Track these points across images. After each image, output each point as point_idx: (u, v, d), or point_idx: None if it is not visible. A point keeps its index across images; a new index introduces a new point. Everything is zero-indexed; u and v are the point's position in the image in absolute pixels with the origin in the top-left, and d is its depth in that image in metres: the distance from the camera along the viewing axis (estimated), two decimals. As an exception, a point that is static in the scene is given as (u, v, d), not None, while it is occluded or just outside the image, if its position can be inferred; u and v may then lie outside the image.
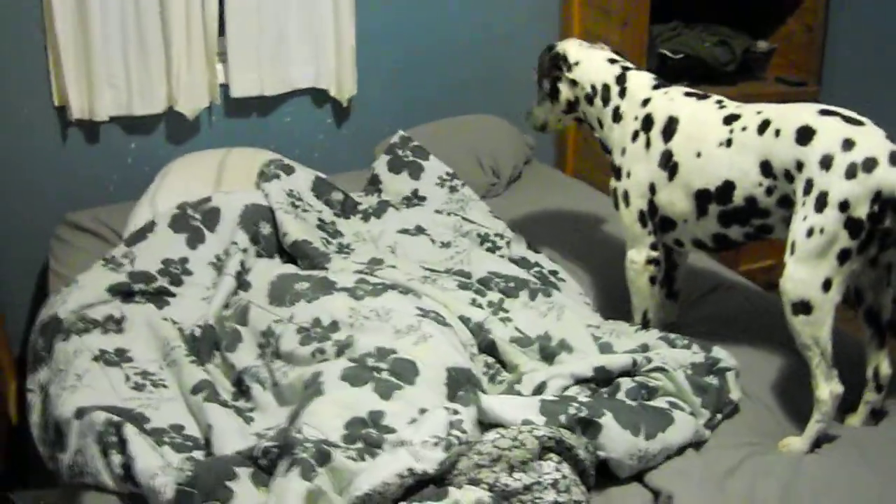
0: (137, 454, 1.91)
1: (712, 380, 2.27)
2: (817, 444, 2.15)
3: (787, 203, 2.17)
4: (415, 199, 3.27)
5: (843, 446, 2.12)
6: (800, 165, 2.08)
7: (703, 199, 2.34)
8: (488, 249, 2.97)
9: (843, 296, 2.10)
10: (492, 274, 2.75)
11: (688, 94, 2.48)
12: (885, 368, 2.23)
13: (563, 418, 1.93)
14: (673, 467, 2.03)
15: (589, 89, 2.62)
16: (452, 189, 3.32)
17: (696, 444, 2.12)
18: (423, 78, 3.82)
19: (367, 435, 1.88)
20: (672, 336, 2.46)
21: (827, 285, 2.04)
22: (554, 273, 2.89)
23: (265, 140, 3.49)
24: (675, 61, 3.75)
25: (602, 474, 1.98)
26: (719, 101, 2.42)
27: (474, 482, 1.75)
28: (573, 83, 2.66)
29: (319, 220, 2.98)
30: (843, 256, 2.03)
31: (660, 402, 2.16)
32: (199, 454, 2.01)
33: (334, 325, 2.29)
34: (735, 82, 3.88)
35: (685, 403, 2.17)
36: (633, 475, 2.01)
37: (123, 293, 2.62)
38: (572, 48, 2.70)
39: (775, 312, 2.59)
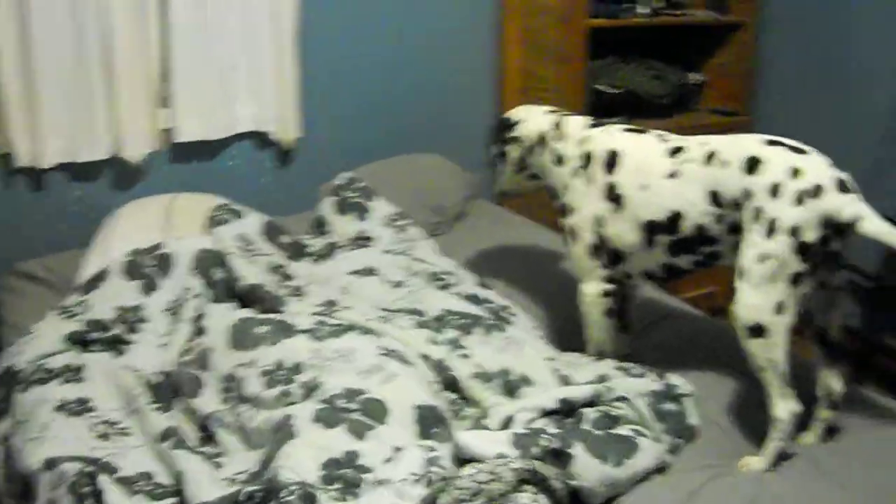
0: (113, 503, 1.89)
1: (671, 406, 2.34)
2: (776, 462, 2.21)
3: (737, 229, 2.23)
4: (362, 240, 3.29)
5: (802, 463, 2.19)
6: (748, 194, 2.15)
7: (651, 230, 2.40)
8: (440, 287, 2.99)
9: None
10: (446, 311, 2.77)
11: (626, 130, 2.55)
12: (837, 386, 2.29)
13: (535, 450, 1.98)
14: (641, 492, 2.08)
15: (528, 142, 2.71)
16: (399, 229, 3.35)
17: (660, 468, 2.17)
18: (367, 120, 3.85)
19: (344, 475, 1.89)
20: (627, 365, 2.52)
21: (779, 308, 2.11)
22: (505, 308, 2.92)
23: (209, 185, 3.47)
24: (611, 96, 3.84)
25: (574, 503, 2.01)
26: (660, 135, 2.49)
27: (457, 517, 1.77)
28: (518, 140, 2.75)
29: (271, 263, 2.99)
30: (795, 280, 2.10)
31: (624, 430, 2.20)
32: (170, 502, 2.00)
33: (297, 368, 2.30)
34: (671, 114, 3.99)
35: (647, 430, 2.23)
36: (604, 502, 2.05)
37: (81, 342, 2.60)
38: (514, 112, 2.82)
39: (723, 337, 2.74)
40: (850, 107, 3.81)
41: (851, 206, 2.05)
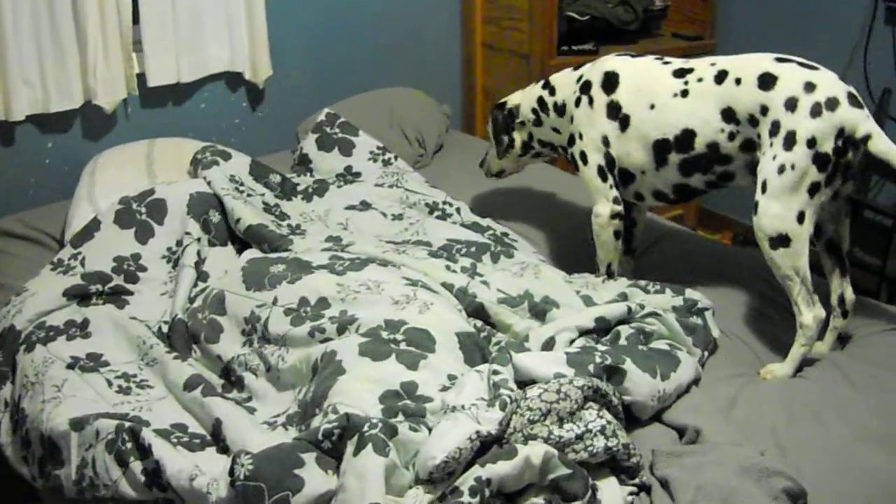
0: (164, 456, 1.81)
1: (696, 320, 2.34)
2: (799, 368, 2.25)
3: (750, 147, 2.27)
4: (349, 176, 3.22)
5: (827, 369, 2.22)
6: (764, 109, 2.19)
7: (662, 149, 2.40)
8: (439, 217, 2.96)
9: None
10: (451, 241, 2.74)
11: (619, 55, 2.59)
12: (850, 294, 2.36)
13: (591, 368, 1.95)
14: (685, 405, 2.09)
15: (532, 115, 2.73)
16: (386, 162, 3.28)
17: (696, 380, 2.18)
18: (335, 58, 3.77)
19: (405, 406, 1.83)
20: (643, 283, 2.51)
21: (801, 217, 2.16)
22: (506, 234, 2.90)
23: (182, 128, 3.39)
24: (581, 23, 3.81)
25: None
26: (658, 58, 2.52)
27: (531, 438, 1.74)
28: (522, 124, 2.78)
29: (264, 203, 2.89)
30: (813, 189, 2.15)
31: (660, 345, 2.20)
32: (211, 451, 1.93)
33: (323, 302, 2.22)
34: (636, 40, 3.96)
35: (680, 345, 2.23)
36: (652, 416, 2.05)
37: (80, 296, 2.49)
38: (511, 98, 2.83)
39: (720, 255, 2.83)
40: (815, 30, 3.83)
41: (865, 123, 2.13)
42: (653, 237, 2.95)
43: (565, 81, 2.65)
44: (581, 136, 2.55)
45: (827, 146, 2.12)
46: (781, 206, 2.15)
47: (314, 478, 1.65)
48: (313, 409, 1.91)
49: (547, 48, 3.69)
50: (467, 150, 3.70)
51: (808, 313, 2.21)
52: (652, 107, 2.41)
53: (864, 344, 2.36)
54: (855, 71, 3.67)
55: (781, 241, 2.17)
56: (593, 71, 2.56)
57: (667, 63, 2.47)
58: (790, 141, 2.13)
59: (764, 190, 2.18)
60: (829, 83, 2.17)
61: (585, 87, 2.55)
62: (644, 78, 2.46)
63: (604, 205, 2.56)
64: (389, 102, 3.64)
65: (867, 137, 2.12)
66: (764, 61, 2.26)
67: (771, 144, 2.17)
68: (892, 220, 3.60)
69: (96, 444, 1.92)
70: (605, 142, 2.50)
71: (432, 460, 1.65)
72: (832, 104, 2.12)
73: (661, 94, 2.40)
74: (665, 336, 2.25)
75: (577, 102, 2.56)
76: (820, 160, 2.12)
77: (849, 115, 2.12)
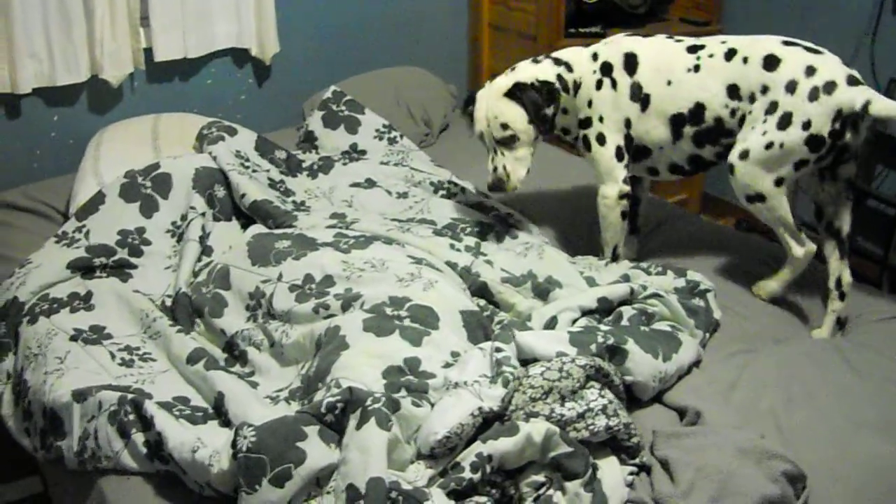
0: (166, 429, 1.82)
1: (699, 301, 2.35)
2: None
3: (744, 122, 2.35)
4: (354, 154, 3.22)
5: (828, 353, 2.24)
6: (765, 89, 2.29)
7: (678, 122, 2.44)
8: (444, 196, 2.95)
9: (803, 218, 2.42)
10: (455, 220, 2.75)
11: (629, 35, 2.58)
12: (847, 277, 2.40)
13: (593, 347, 1.96)
14: (686, 386, 2.10)
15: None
16: (391, 141, 3.28)
17: (697, 362, 2.19)
18: (342, 35, 3.75)
19: (408, 382, 1.84)
20: (644, 265, 2.53)
21: (779, 182, 2.31)
22: (510, 216, 2.90)
23: (188, 104, 3.39)
24: (589, 5, 3.80)
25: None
26: (669, 36, 2.54)
27: (532, 415, 1.74)
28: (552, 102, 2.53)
29: (269, 179, 2.89)
30: (801, 164, 2.28)
31: (662, 326, 2.21)
32: (213, 424, 1.94)
33: (328, 280, 2.23)
34: (644, 24, 3.95)
35: (682, 326, 2.24)
36: (652, 396, 2.06)
37: (83, 269, 2.49)
38: (523, 74, 2.54)
39: (721, 236, 2.87)
40: (822, 18, 3.81)
41: (862, 94, 2.20)
42: (656, 221, 2.96)
43: (579, 60, 2.55)
44: (602, 119, 2.51)
45: (824, 129, 2.21)
46: (758, 171, 2.29)
47: (316, 450, 1.66)
48: (316, 384, 1.92)
49: (555, 30, 3.68)
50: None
51: (799, 249, 2.39)
52: (669, 83, 2.43)
53: (864, 330, 2.39)
54: (862, 60, 3.66)
55: (758, 198, 2.33)
56: (611, 52, 2.52)
57: (679, 41, 2.50)
58: (785, 122, 2.23)
59: (744, 157, 2.29)
60: (830, 67, 2.24)
61: (606, 70, 2.50)
62: (661, 56, 2.47)
63: (612, 186, 2.55)
64: (395, 81, 3.64)
65: (867, 105, 2.18)
66: (770, 43, 2.34)
67: (764, 121, 2.27)
68: (896, 209, 3.60)
69: (98, 416, 1.93)
70: (628, 124, 2.50)
71: (434, 435, 1.66)
72: (830, 87, 2.21)
73: (676, 70, 2.43)
74: (667, 317, 2.26)
75: (598, 85, 2.50)
76: (814, 142, 2.23)
77: (845, 95, 2.20)
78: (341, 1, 3.71)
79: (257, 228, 2.60)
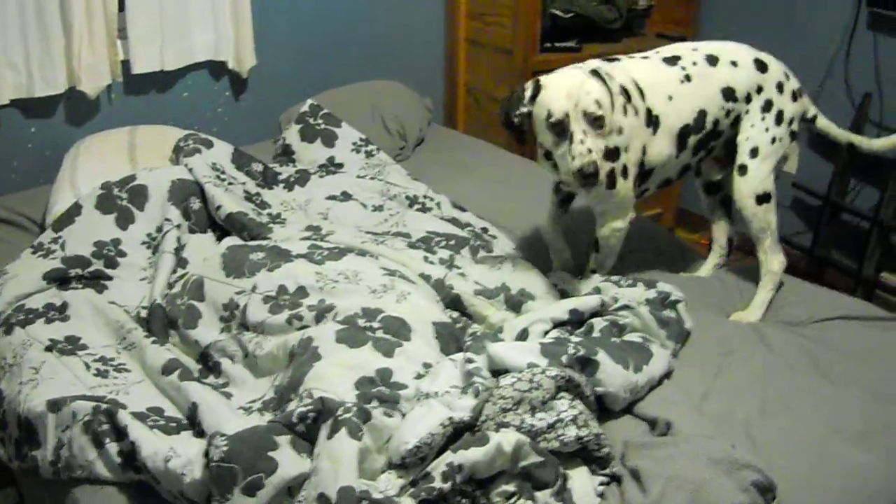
0: (140, 438, 1.83)
1: (670, 312, 2.37)
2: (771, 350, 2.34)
3: (736, 122, 2.53)
4: (331, 167, 3.24)
5: (803, 364, 2.27)
6: (759, 89, 2.51)
7: (684, 134, 2.47)
8: (419, 210, 2.97)
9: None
10: (430, 234, 2.76)
11: (607, 59, 2.44)
12: (733, 234, 2.83)
13: (564, 359, 1.97)
14: (657, 397, 2.11)
15: None
16: (368, 154, 3.30)
17: (668, 373, 2.20)
18: (319, 49, 3.77)
19: (380, 393, 1.85)
20: (615, 278, 2.53)
21: (773, 178, 2.53)
22: (485, 230, 2.92)
23: (165, 116, 3.39)
24: (565, 20, 3.83)
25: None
26: (637, 54, 2.53)
27: (503, 426, 1.76)
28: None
29: (245, 191, 2.91)
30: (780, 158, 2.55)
31: (633, 338, 2.22)
32: (187, 435, 1.94)
33: (302, 291, 2.25)
34: (619, 39, 3.98)
35: (653, 337, 2.26)
36: (623, 407, 2.07)
37: (59, 279, 2.49)
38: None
39: (684, 248, 2.98)
40: (797, 33, 3.86)
41: (812, 107, 2.61)
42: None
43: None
44: (627, 149, 2.37)
45: (796, 125, 2.55)
46: (766, 168, 2.49)
47: (288, 460, 1.67)
48: (289, 395, 1.93)
49: (530, 44, 3.71)
50: (448, 144, 3.73)
51: (775, 260, 2.56)
52: (670, 98, 2.44)
53: (825, 328, 2.44)
54: (836, 74, 3.72)
55: (766, 197, 2.50)
56: (618, 75, 2.34)
57: (646, 57, 2.50)
58: (780, 118, 2.50)
59: (755, 155, 2.49)
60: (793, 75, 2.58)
61: (626, 95, 2.33)
62: (653, 75, 2.45)
63: (626, 218, 2.50)
64: (372, 95, 3.65)
65: (815, 117, 2.61)
66: (743, 48, 2.56)
67: (763, 119, 2.50)
68: (870, 222, 3.65)
69: (73, 426, 1.93)
70: (644, 150, 2.43)
71: (405, 445, 1.68)
72: (801, 92, 2.57)
73: (670, 84, 2.45)
74: (638, 329, 2.27)
75: (625, 111, 2.31)
76: (792, 136, 2.55)
77: (806, 102, 2.59)
78: (318, 15, 3.73)
79: (232, 240, 2.61)
